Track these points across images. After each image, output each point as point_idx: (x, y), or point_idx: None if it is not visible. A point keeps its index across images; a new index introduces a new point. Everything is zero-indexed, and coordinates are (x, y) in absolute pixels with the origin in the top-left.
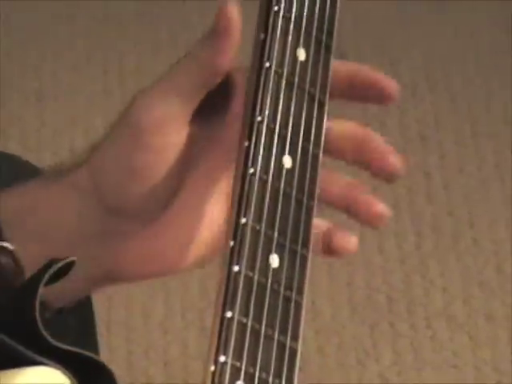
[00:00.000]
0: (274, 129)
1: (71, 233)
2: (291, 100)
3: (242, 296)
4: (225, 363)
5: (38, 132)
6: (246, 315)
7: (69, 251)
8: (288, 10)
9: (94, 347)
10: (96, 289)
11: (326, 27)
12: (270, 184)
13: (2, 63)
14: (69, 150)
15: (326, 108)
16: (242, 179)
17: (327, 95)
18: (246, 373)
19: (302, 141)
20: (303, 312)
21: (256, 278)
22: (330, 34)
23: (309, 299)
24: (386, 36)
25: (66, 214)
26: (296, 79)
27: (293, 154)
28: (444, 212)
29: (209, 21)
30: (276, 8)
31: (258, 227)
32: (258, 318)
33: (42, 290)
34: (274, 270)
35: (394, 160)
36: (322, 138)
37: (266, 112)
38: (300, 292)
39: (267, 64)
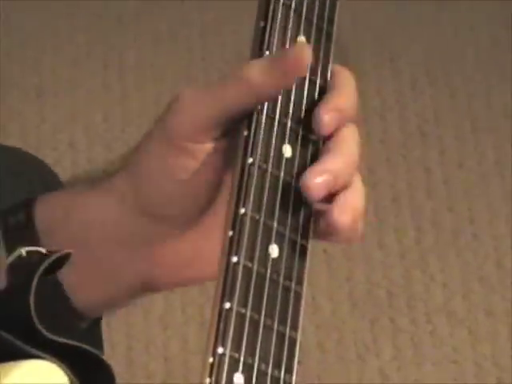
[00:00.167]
0: (274, 116)
1: (110, 239)
2: (296, 88)
3: (240, 287)
4: (223, 355)
5: (37, 127)
6: (245, 306)
7: (107, 257)
8: None
9: (99, 343)
10: (133, 299)
11: (326, 14)
12: (269, 174)
13: (1, 59)
14: (69, 145)
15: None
16: (241, 169)
17: (328, 80)
18: (244, 364)
19: (302, 129)
20: (303, 302)
21: (255, 268)
22: (330, 21)
23: (309, 294)
24: (386, 31)
25: (105, 219)
26: None
27: (292, 142)
28: (444, 207)
29: (208, 17)
30: None
31: (257, 217)
32: (257, 309)
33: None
34: (273, 260)
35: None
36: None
37: (266, 104)
38: (300, 282)
39: (267, 53)
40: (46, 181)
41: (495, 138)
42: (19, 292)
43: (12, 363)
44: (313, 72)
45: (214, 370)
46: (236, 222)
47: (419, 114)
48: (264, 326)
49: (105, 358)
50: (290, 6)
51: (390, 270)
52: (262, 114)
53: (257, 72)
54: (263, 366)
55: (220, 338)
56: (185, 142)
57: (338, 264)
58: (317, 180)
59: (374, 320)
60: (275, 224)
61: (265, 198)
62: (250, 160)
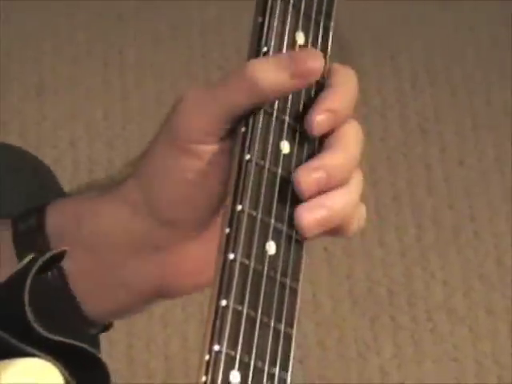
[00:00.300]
0: (272, 112)
1: (121, 246)
2: None
3: (237, 284)
4: (219, 352)
5: (38, 125)
6: (242, 303)
7: (119, 264)
8: None
9: (96, 340)
10: (147, 305)
11: (324, 9)
12: (266, 170)
13: (1, 57)
14: (69, 143)
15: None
16: (239, 166)
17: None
18: (240, 361)
19: (300, 125)
20: (298, 298)
21: (252, 265)
22: (328, 16)
23: (309, 292)
24: (387, 29)
25: (116, 227)
26: None
27: (290, 139)
28: (444, 204)
29: (208, 15)
30: None
31: (254, 214)
32: (253, 306)
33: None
34: (270, 257)
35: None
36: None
37: None
38: (295, 278)
39: (265, 49)
40: (44, 181)
41: (495, 135)
42: (14, 289)
43: (7, 361)
44: None
45: (210, 367)
46: (233, 218)
47: (420, 112)
48: (260, 323)
49: (101, 356)
50: (289, 1)
51: (391, 268)
52: (259, 111)
53: (265, 74)
54: (259, 364)
55: (216, 335)
56: (190, 144)
57: (338, 262)
58: (308, 176)
59: (374, 318)
60: (272, 221)
61: (262, 195)
62: (248, 157)
